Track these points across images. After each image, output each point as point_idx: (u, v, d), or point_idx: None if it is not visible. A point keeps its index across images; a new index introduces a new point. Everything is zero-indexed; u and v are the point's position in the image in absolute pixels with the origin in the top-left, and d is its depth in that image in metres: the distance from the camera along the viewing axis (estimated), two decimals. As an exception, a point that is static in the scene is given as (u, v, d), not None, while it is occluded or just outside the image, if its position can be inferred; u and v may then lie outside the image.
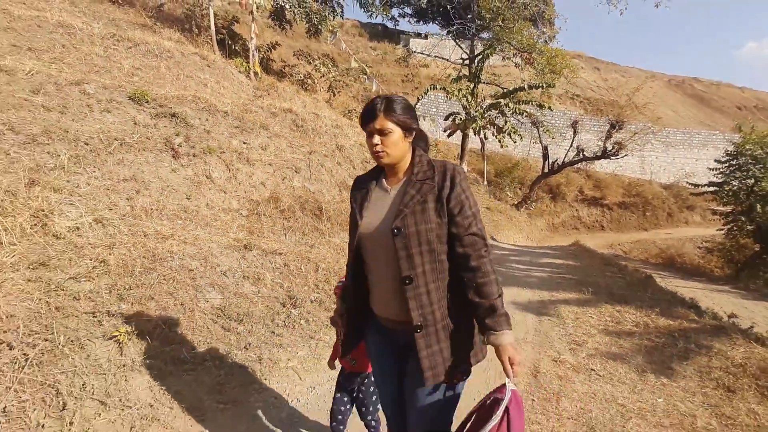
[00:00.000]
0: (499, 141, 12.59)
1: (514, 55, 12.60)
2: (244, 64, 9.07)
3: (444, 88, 12.85)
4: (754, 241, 10.61)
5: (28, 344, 1.95)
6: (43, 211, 2.72)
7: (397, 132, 1.26)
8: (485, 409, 1.17)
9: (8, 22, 5.77)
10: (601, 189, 19.55)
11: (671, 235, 17.95)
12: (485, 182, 14.05)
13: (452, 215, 1.24)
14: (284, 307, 3.23)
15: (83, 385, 1.88)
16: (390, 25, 24.21)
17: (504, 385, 1.16)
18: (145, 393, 2.02)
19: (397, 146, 1.27)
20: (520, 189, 17.34)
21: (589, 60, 33.92)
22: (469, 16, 15.49)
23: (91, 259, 2.57)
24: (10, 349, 1.91)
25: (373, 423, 1.84)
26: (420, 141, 1.38)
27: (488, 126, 12.58)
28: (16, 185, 2.77)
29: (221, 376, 2.33)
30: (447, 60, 16.13)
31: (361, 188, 1.37)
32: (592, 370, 2.57)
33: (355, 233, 1.31)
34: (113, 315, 2.35)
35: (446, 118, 14.23)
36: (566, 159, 11.30)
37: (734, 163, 9.86)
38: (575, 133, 11.35)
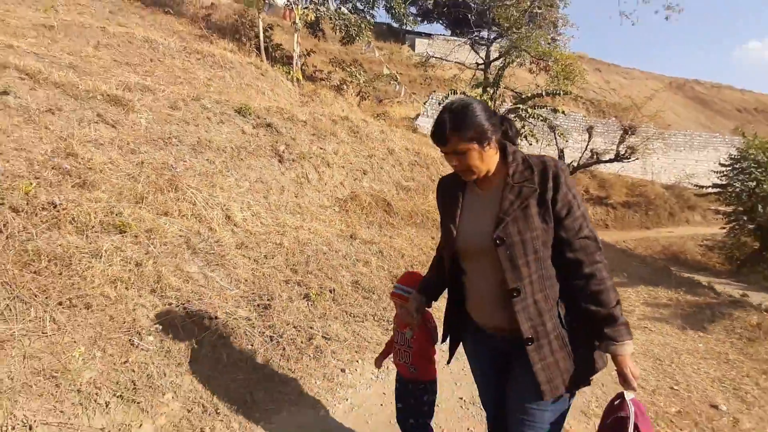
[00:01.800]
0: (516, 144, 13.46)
1: (530, 62, 13.47)
2: (290, 71, 9.89)
3: (464, 92, 13.74)
4: (754, 240, 11.55)
5: (254, 302, 2.78)
6: (224, 206, 3.56)
7: (474, 149, 1.13)
8: (609, 428, 1.11)
9: (107, 39, 6.60)
10: (606, 189, 20.46)
11: (673, 234, 18.90)
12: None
13: (559, 218, 1.13)
14: (388, 282, 4.08)
15: (311, 327, 2.73)
16: (395, 24, 24.97)
17: (622, 398, 1.11)
18: (343, 331, 2.86)
19: (479, 161, 1.15)
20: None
21: (591, 61, 34.80)
22: (484, 22, 16.37)
23: (271, 243, 3.42)
24: (247, 303, 2.75)
25: None
26: (508, 131, 1.25)
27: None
28: (201, 185, 3.60)
29: (382, 326, 3.16)
30: (462, 64, 16.99)
31: (449, 192, 1.28)
32: (645, 327, 3.46)
33: (449, 239, 1.24)
34: (296, 283, 3.19)
35: (465, 121, 15.09)
36: (581, 161, 12.21)
37: (737, 166, 10.79)
38: (590, 137, 12.28)
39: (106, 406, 1.65)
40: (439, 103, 14.33)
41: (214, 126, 4.93)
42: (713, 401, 2.41)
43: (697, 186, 13.31)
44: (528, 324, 1.13)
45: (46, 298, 1.87)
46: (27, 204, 2.25)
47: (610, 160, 11.48)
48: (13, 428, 1.43)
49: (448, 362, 1.49)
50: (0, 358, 1.60)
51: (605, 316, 1.11)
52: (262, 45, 9.94)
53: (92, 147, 3.16)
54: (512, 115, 13.22)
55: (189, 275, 2.55)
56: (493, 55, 15.87)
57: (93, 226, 2.42)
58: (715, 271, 11.86)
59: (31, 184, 2.37)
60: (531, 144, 13.21)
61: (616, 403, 1.14)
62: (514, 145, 1.27)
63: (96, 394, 1.67)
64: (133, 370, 1.84)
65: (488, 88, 13.79)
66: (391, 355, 1.77)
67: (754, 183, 10.34)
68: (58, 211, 2.33)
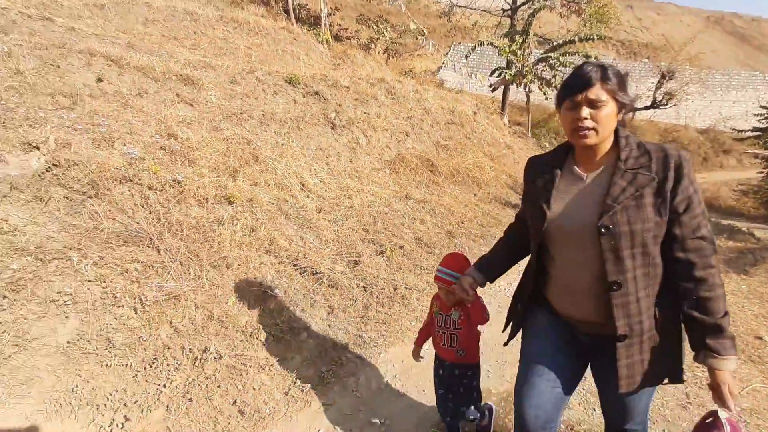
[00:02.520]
0: (544, 93, 13.08)
1: (561, 6, 12.72)
2: (319, 33, 9.79)
3: (492, 43, 13.21)
4: (792, 183, 11.18)
5: (344, 258, 3.14)
6: (298, 175, 3.87)
7: (611, 105, 1.03)
8: None
9: (153, 14, 6.73)
10: (637, 136, 19.74)
11: (706, 179, 18.37)
12: (530, 135, 14.65)
13: (677, 213, 1.02)
14: (448, 238, 4.39)
15: (393, 279, 3.09)
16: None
17: (716, 416, 1.03)
18: (419, 281, 3.21)
19: (609, 122, 1.04)
20: (555, 139, 17.84)
21: (622, -2, 32.21)
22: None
23: (343, 206, 3.74)
24: (341, 260, 3.11)
25: (459, 425, 1.66)
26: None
27: (534, 80, 13.02)
28: (276, 156, 3.90)
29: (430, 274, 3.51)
30: (487, 11, 16.14)
31: (541, 172, 1.17)
32: (690, 271, 3.68)
33: (538, 220, 1.14)
34: (370, 241, 3.53)
35: (492, 74, 14.63)
36: (615, 110, 11.85)
37: (781, 108, 10.27)
38: (627, 84, 11.79)
39: (265, 341, 2.06)
40: (466, 56, 13.86)
41: (270, 97, 5.13)
42: (758, 333, 2.68)
43: (734, 130, 12.76)
44: (624, 321, 1.05)
45: (200, 260, 2.26)
46: (157, 182, 2.61)
47: (647, 107, 11.07)
48: (207, 356, 1.84)
49: (506, 343, 1.36)
50: (179, 308, 2.00)
51: (711, 326, 1.01)
52: (291, 6, 9.79)
53: (184, 126, 3.46)
54: (542, 64, 12.74)
55: (290, 238, 2.92)
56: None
57: (208, 199, 2.78)
58: (749, 216, 11.67)
59: (155, 164, 2.71)
60: (562, 94, 12.80)
61: (708, 421, 1.03)
62: (624, 127, 1.12)
63: (254, 333, 2.08)
64: (273, 315, 2.24)
65: (516, 37, 13.21)
66: (429, 341, 1.67)
67: (799, 125, 9.87)
68: (182, 187, 2.68)
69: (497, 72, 13.76)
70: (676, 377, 1.12)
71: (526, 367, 1.21)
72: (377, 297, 2.74)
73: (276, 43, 8.21)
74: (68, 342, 1.70)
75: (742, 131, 11.94)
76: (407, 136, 6.53)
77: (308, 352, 2.12)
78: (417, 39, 12.31)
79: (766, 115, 10.93)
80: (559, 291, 1.18)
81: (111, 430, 1.54)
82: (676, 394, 2.07)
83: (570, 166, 1.14)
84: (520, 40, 12.86)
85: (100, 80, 3.49)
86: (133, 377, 1.67)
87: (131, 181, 2.50)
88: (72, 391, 1.60)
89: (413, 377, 2.10)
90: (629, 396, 1.12)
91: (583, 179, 1.11)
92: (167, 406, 1.65)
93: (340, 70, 8.96)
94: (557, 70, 12.50)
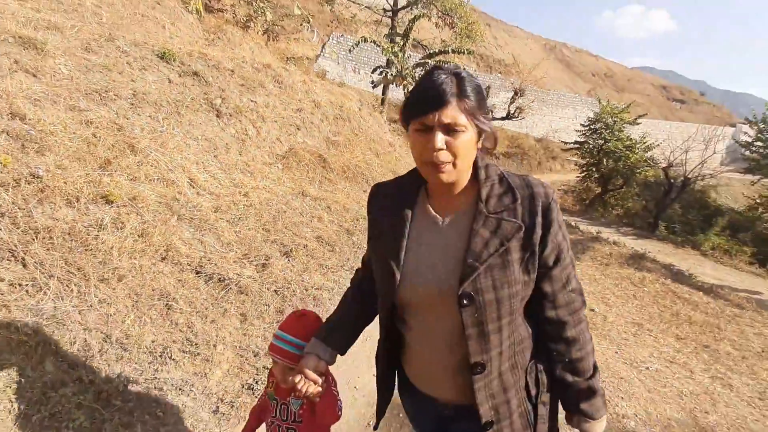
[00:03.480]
0: (421, 96, 14.30)
1: (438, 17, 14.02)
2: (189, 1, 8.85)
3: (375, 41, 13.81)
4: (597, 185, 14.71)
5: (252, 261, 3.03)
6: (185, 168, 3.51)
7: (470, 131, 0.82)
8: None
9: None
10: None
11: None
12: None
13: (546, 267, 0.88)
14: (347, 235, 4.55)
15: (302, 280, 3.11)
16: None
17: None
18: (326, 281, 3.30)
19: (469, 153, 0.84)
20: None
21: (482, 15, 36.95)
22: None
23: (241, 205, 3.56)
24: (248, 263, 2.99)
25: None
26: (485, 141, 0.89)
27: (413, 82, 14.12)
28: (155, 146, 3.46)
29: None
30: (370, 8, 16.74)
31: (391, 209, 0.95)
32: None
33: (388, 282, 0.91)
34: (273, 241, 3.46)
35: (373, 71, 15.28)
36: (478, 117, 13.71)
37: (593, 127, 13.34)
38: (488, 96, 13.73)
39: (178, 360, 1.90)
40: (350, 50, 14.16)
41: (138, 73, 4.48)
42: (590, 306, 3.58)
43: (562, 141, 16.08)
44: (488, 404, 0.89)
45: (83, 274, 1.94)
46: (9, 177, 2.11)
47: (503, 118, 13.08)
48: (112, 387, 1.64)
49: (375, 428, 1.12)
50: (65, 333, 1.72)
51: (584, 389, 0.94)
52: (153, -35, 8.52)
53: (30, 104, 2.81)
54: (420, 69, 13.85)
55: (188, 241, 2.68)
56: (401, 2, 15.94)
57: (79, 198, 2.36)
58: (570, 211, 14.92)
59: (1, 152, 2.18)
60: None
61: None
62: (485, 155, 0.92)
63: (164, 353, 1.90)
64: (181, 330, 2.07)
65: (397, 39, 14.04)
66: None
67: (602, 141, 13.01)
68: (42, 183, 2.22)
69: (379, 70, 14.45)
70: None
71: None
72: (290, 300, 2.75)
73: (133, 5, 7.12)
74: None
75: (567, 143, 15.11)
76: (298, 129, 6.44)
77: (228, 365, 2.04)
78: (301, 25, 12.03)
79: (583, 132, 14.07)
80: (416, 364, 0.99)
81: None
82: None
83: (423, 206, 0.93)
84: (401, 43, 13.73)
85: None
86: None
87: (-29, 174, 1.97)
88: None
89: (342, 374, 2.22)
90: None
91: (439, 224, 0.90)
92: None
93: (215, 48, 8.22)
94: (432, 75, 13.79)
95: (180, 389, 1.75)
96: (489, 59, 32.48)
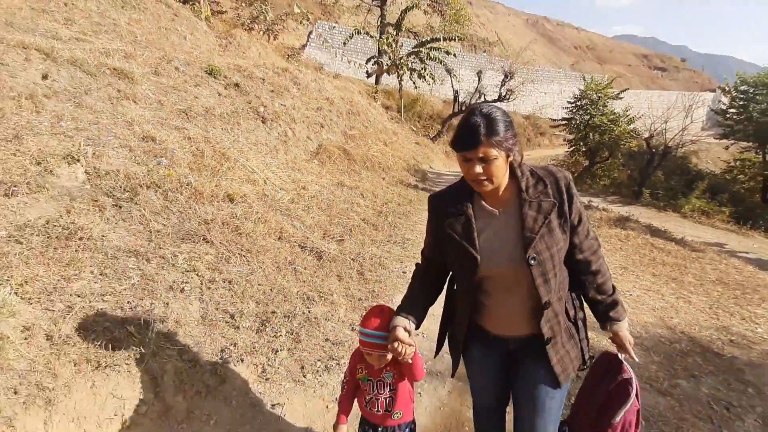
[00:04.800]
0: (414, 83, 15.10)
1: (428, 5, 14.68)
2: (200, 10, 9.50)
3: (368, 33, 14.48)
4: (585, 159, 15.76)
5: (332, 239, 3.94)
6: (261, 170, 4.38)
7: (501, 157, 1.13)
8: (616, 390, 1.30)
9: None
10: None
11: (530, 155, 23.72)
12: (403, 119, 16.59)
13: (573, 226, 1.23)
14: (380, 216, 5.46)
15: (369, 251, 4.04)
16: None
17: (621, 363, 1.33)
18: (381, 252, 4.23)
19: (502, 171, 1.16)
20: (418, 121, 20.53)
21: (463, -6, 37.32)
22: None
23: (305, 197, 4.45)
24: (330, 240, 3.90)
25: None
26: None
27: (406, 71, 14.87)
28: (234, 153, 4.30)
29: (397, 244, 4.58)
30: (359, -1, 17.27)
31: (454, 213, 1.26)
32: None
33: (469, 265, 1.22)
34: (335, 224, 4.37)
35: (367, 62, 15.95)
36: (472, 101, 14.52)
37: (579, 104, 14.30)
38: (479, 80, 14.54)
39: (317, 302, 2.83)
40: (344, 43, 14.78)
41: (194, 89, 5.28)
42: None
43: (550, 119, 17.04)
44: (548, 326, 1.23)
45: (247, 250, 2.85)
46: (175, 184, 2.99)
47: (495, 100, 13.96)
48: (288, 315, 2.57)
49: (453, 375, 1.46)
50: (252, 285, 2.63)
51: (611, 303, 1.30)
52: (164, -22, 9.11)
53: (150, 127, 3.64)
54: (413, 57, 14.59)
55: (288, 226, 3.59)
56: (389, -8, 16.50)
57: (212, 200, 3.24)
58: (561, 184, 16.01)
59: (166, 168, 3.05)
60: (430, 84, 14.97)
61: (613, 364, 1.34)
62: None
63: (308, 299, 2.83)
64: (309, 285, 3.00)
65: (389, 29, 14.71)
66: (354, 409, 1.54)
67: (588, 117, 14.00)
68: (193, 188, 3.10)
69: (373, 60, 15.14)
70: (584, 361, 1.35)
71: (479, 399, 1.47)
72: (362, 266, 3.68)
73: (157, 20, 7.81)
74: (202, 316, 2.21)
75: (555, 120, 16.09)
76: (322, 127, 7.28)
77: (344, 306, 2.97)
78: (300, 23, 12.64)
79: (570, 108, 15.03)
80: (494, 317, 1.30)
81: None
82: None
83: (479, 203, 1.25)
84: (394, 33, 14.41)
85: (45, 77, 3.38)
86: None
87: (156, 185, 2.85)
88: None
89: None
90: (549, 396, 1.28)
91: (497, 215, 1.23)
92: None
93: (229, 54, 8.98)
94: (426, 63, 14.54)
95: (326, 318, 2.68)
96: (473, 38, 32.99)
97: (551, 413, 1.30)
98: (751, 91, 12.67)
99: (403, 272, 3.82)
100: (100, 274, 2.01)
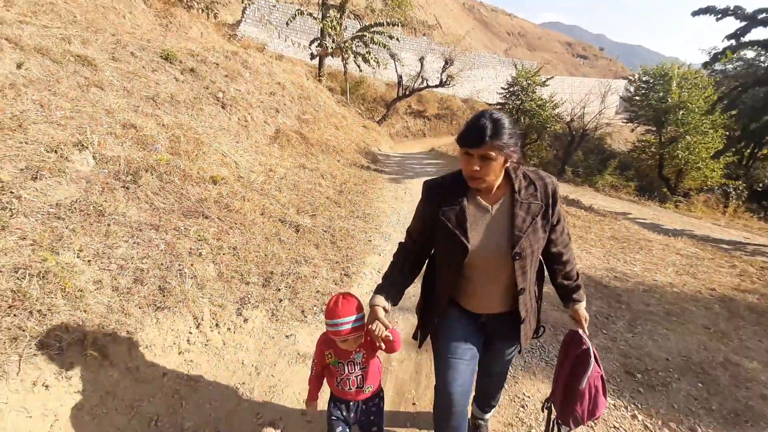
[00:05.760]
0: (358, 66, 15.54)
1: (370, -12, 15.02)
2: (135, -15, 9.16)
3: (311, 14, 14.59)
4: (518, 140, 17.31)
5: (305, 215, 4.47)
6: (230, 154, 4.75)
7: (499, 159, 1.25)
8: (578, 360, 1.48)
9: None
10: (423, 104, 25.06)
11: (469, 138, 25.30)
12: (348, 102, 16.97)
13: (553, 225, 1.41)
14: (341, 195, 6.03)
15: (334, 223, 4.63)
16: None
17: (579, 335, 1.53)
18: (347, 225, 4.84)
19: (497, 172, 1.29)
20: (363, 104, 21.06)
21: (402, -25, 37.70)
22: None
23: (274, 178, 4.90)
24: (303, 215, 4.43)
25: None
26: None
27: (351, 54, 15.21)
28: (206, 139, 4.62)
29: (359, 219, 5.21)
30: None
31: (449, 200, 1.36)
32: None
33: (458, 251, 1.34)
34: (303, 201, 4.89)
35: (311, 43, 16.04)
36: (415, 85, 15.28)
37: (511, 90, 15.65)
38: (422, 66, 15.29)
39: (304, 264, 3.40)
40: (287, 23, 14.73)
41: (153, 75, 5.42)
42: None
43: (486, 103, 18.36)
44: (524, 309, 1.43)
45: (240, 223, 3.33)
46: (168, 168, 3.36)
47: (436, 86, 14.82)
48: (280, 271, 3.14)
49: (420, 346, 1.62)
50: (249, 253, 3.15)
51: (574, 287, 1.52)
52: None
53: (125, 114, 3.89)
54: (357, 41, 14.95)
55: (268, 203, 4.07)
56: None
57: (199, 181, 3.65)
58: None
59: (161, 153, 3.39)
60: (374, 69, 15.47)
61: (574, 338, 1.54)
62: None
63: (295, 262, 3.39)
64: (295, 252, 3.55)
65: (332, 11, 14.88)
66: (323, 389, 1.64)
67: (519, 102, 15.41)
68: (183, 171, 3.49)
69: (317, 42, 15.28)
70: (537, 332, 1.59)
71: (446, 351, 1.45)
72: (334, 235, 4.28)
73: (93, -2, 7.57)
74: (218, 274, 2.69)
75: (491, 104, 17.41)
76: (277, 112, 7.59)
77: (324, 268, 3.57)
78: (242, 2, 12.40)
79: (504, 94, 16.37)
80: (471, 298, 1.44)
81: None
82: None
83: (474, 197, 1.35)
84: (338, 16, 14.63)
85: (19, 66, 3.50)
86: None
87: (153, 169, 3.21)
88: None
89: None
90: (509, 359, 1.63)
91: (490, 211, 1.34)
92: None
93: (172, 34, 8.86)
94: (370, 47, 14.98)
95: (313, 277, 3.27)
96: (413, 21, 33.65)
97: (504, 370, 1.71)
98: (651, 81, 14.74)
99: (369, 241, 4.48)
100: (135, 243, 2.44)
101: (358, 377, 1.55)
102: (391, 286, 1.45)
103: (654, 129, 14.70)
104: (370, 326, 1.39)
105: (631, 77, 17.56)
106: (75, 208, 2.42)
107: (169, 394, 1.94)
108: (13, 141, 2.61)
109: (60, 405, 1.62)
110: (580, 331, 1.54)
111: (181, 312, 2.20)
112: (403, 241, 1.55)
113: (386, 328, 1.37)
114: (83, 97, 3.80)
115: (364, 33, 14.34)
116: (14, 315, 1.67)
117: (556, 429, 1.63)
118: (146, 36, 6.90)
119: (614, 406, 2.27)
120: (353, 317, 1.41)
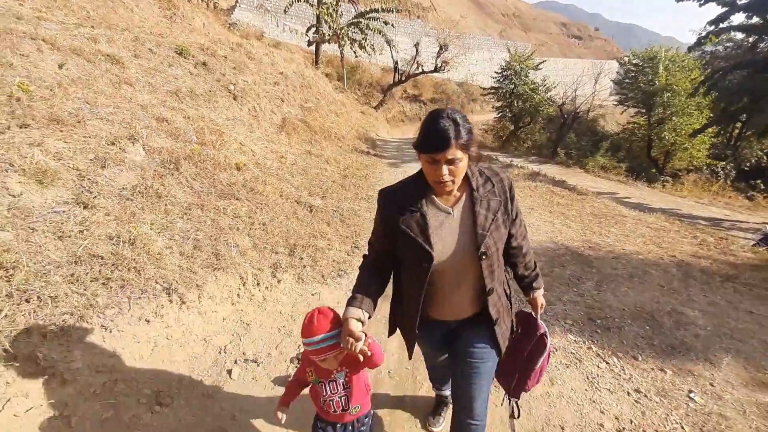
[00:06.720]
0: (354, 52, 15.86)
1: (364, -25, 15.22)
2: (139, -21, 9.48)
3: (307, 1, 14.84)
4: (511, 124, 17.79)
5: (316, 197, 5.01)
6: (246, 143, 5.25)
7: (465, 159, 1.24)
8: (537, 343, 1.60)
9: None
10: (419, 88, 25.36)
11: (464, 122, 25.67)
12: (346, 88, 17.30)
13: (512, 219, 1.41)
14: (345, 178, 6.56)
15: (344, 205, 5.18)
16: None
17: (536, 321, 1.62)
18: (354, 205, 5.39)
19: (463, 172, 1.27)
20: (359, 89, 21.38)
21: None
22: None
23: (286, 164, 5.42)
24: (315, 197, 4.97)
25: None
26: None
27: (347, 41, 15.52)
28: (225, 129, 5.12)
29: (363, 199, 5.76)
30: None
31: (407, 208, 1.33)
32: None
33: (422, 260, 1.31)
34: (313, 185, 5.43)
35: (308, 30, 16.29)
36: (411, 70, 15.65)
37: (504, 74, 16.05)
38: (417, 52, 15.63)
39: (323, 239, 3.97)
40: (285, 11, 14.96)
41: (170, 69, 5.88)
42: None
43: (481, 87, 18.74)
44: (494, 309, 1.42)
45: (266, 204, 3.88)
46: (201, 157, 3.89)
47: (432, 71, 15.21)
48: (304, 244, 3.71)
49: (410, 357, 1.60)
50: (276, 227, 3.71)
51: (534, 276, 1.58)
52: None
53: (155, 109, 4.38)
54: (354, 28, 15.25)
55: (285, 187, 4.61)
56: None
57: (226, 168, 4.17)
58: (489, 147, 17.98)
59: (193, 144, 3.91)
60: (370, 55, 15.79)
61: (529, 321, 1.65)
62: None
63: (314, 236, 3.95)
64: (313, 228, 4.11)
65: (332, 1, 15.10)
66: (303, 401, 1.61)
67: (513, 86, 15.84)
68: (213, 159, 4.01)
69: (313, 29, 15.55)
70: (512, 331, 1.60)
71: (429, 361, 1.86)
72: (343, 215, 4.84)
73: (103, -8, 7.93)
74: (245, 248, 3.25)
75: (485, 88, 17.81)
76: (282, 101, 8.04)
77: (337, 241, 4.13)
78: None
79: (498, 78, 16.78)
80: (440, 305, 1.44)
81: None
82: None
83: (433, 201, 1.34)
84: (334, 2, 14.89)
85: (61, 67, 3.98)
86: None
87: (189, 158, 3.73)
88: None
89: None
90: (485, 369, 1.46)
91: (451, 213, 1.34)
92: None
93: (176, 26, 9.23)
94: (366, 33, 15.29)
95: (329, 249, 3.84)
96: (407, 2, 33.54)
97: (488, 376, 1.48)
98: (640, 64, 15.17)
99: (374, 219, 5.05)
100: (188, 220, 2.99)
101: (342, 398, 1.47)
102: (363, 298, 1.37)
103: (644, 111, 15.21)
104: (344, 341, 1.30)
105: (621, 60, 17.97)
106: (138, 191, 2.95)
107: (230, 332, 2.53)
108: (77, 135, 3.12)
109: (157, 335, 2.19)
110: (533, 313, 1.65)
111: (231, 273, 2.77)
112: (366, 253, 1.53)
113: (358, 340, 1.29)
114: (117, 93, 4.29)
115: (360, 19, 14.63)
116: (119, 270, 2.23)
117: (513, 406, 1.71)
118: (155, 29, 7.32)
119: (575, 341, 2.88)
120: (330, 334, 1.33)
